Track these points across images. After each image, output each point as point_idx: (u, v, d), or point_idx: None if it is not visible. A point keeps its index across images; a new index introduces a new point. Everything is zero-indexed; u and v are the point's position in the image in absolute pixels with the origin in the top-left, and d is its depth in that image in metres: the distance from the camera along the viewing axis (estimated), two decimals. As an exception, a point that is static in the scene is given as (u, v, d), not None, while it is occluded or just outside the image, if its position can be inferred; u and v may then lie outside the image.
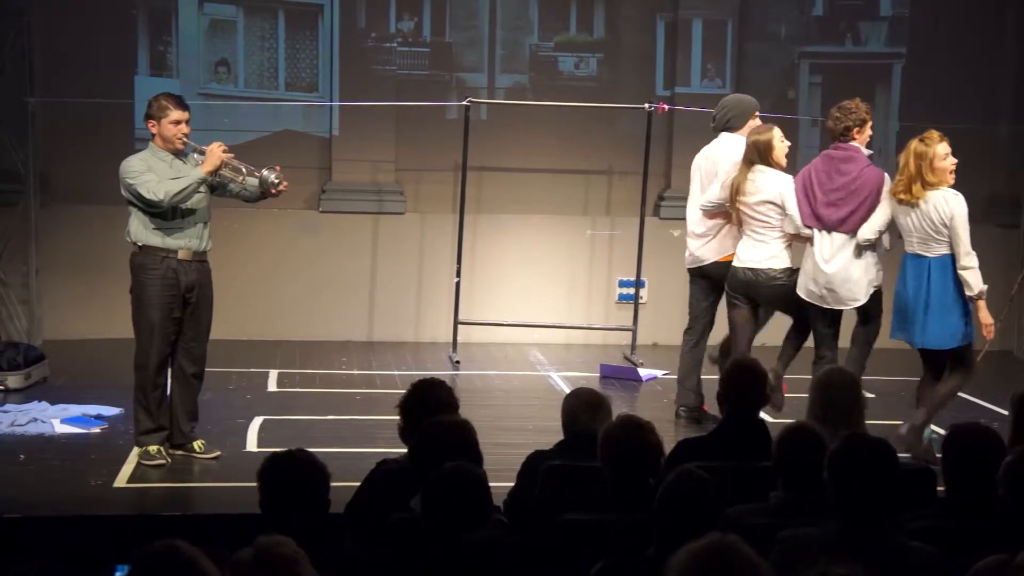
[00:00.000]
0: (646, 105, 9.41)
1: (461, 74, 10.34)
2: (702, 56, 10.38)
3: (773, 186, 6.98)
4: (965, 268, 6.48)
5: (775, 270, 7.03)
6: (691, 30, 10.36)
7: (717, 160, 7.33)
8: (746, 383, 4.95)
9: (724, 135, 7.39)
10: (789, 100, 10.61)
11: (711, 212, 7.29)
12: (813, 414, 4.76)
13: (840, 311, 6.95)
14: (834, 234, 6.84)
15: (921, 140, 6.58)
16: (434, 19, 10.30)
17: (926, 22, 10.64)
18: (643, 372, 8.99)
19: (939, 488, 4.37)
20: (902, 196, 6.55)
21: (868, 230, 6.77)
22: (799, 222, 6.90)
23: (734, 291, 7.18)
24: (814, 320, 6.99)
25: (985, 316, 6.60)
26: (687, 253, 7.56)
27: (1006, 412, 5.28)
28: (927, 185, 6.49)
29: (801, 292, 6.96)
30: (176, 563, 2.62)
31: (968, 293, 6.50)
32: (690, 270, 7.61)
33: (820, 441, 4.00)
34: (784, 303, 7.13)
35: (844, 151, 6.88)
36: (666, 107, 9.49)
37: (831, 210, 6.83)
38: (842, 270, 6.82)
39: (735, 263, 7.17)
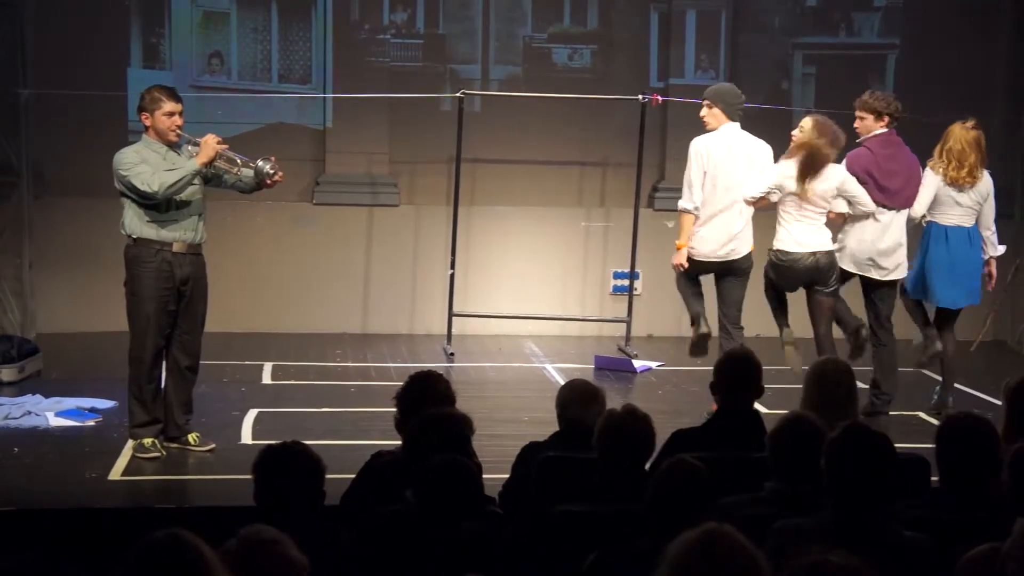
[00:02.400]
0: (640, 97, 9.40)
1: (455, 66, 10.34)
2: (696, 47, 10.39)
3: (836, 172, 7.19)
4: (994, 232, 7.55)
5: (833, 251, 7.27)
6: (684, 21, 10.37)
7: (752, 150, 7.29)
8: (740, 374, 4.95)
9: (736, 124, 7.32)
10: (783, 91, 10.62)
11: (756, 202, 7.25)
12: (807, 404, 4.77)
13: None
14: (895, 212, 7.29)
15: (975, 127, 7.39)
16: (427, 11, 10.30)
17: (920, 13, 10.65)
18: (637, 364, 9.00)
19: (933, 478, 4.39)
20: (968, 179, 7.34)
21: (923, 207, 7.37)
22: (871, 205, 7.20)
23: (806, 278, 7.24)
24: (883, 300, 7.41)
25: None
26: (716, 246, 7.27)
27: (999, 402, 5.29)
28: (983, 165, 7.43)
29: (852, 267, 7.32)
30: (179, 551, 2.62)
31: (995, 254, 7.57)
32: (718, 263, 7.34)
33: (818, 431, 3.99)
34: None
35: (897, 136, 7.39)
36: (660, 99, 9.49)
37: (900, 190, 7.28)
38: (897, 244, 7.35)
39: (798, 249, 7.14)
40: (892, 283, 7.40)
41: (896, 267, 7.35)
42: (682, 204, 7.34)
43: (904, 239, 7.38)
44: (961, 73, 10.47)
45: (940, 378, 7.79)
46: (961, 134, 7.32)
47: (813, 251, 7.18)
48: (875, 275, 7.34)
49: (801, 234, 7.19)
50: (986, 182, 7.45)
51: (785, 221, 7.21)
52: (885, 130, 7.30)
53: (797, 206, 7.16)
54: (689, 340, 7.58)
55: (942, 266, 7.39)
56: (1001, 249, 7.63)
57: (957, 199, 7.36)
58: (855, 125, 7.38)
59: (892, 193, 7.25)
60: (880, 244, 7.27)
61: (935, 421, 7.18)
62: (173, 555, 2.62)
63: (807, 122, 7.25)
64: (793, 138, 7.27)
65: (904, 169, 7.28)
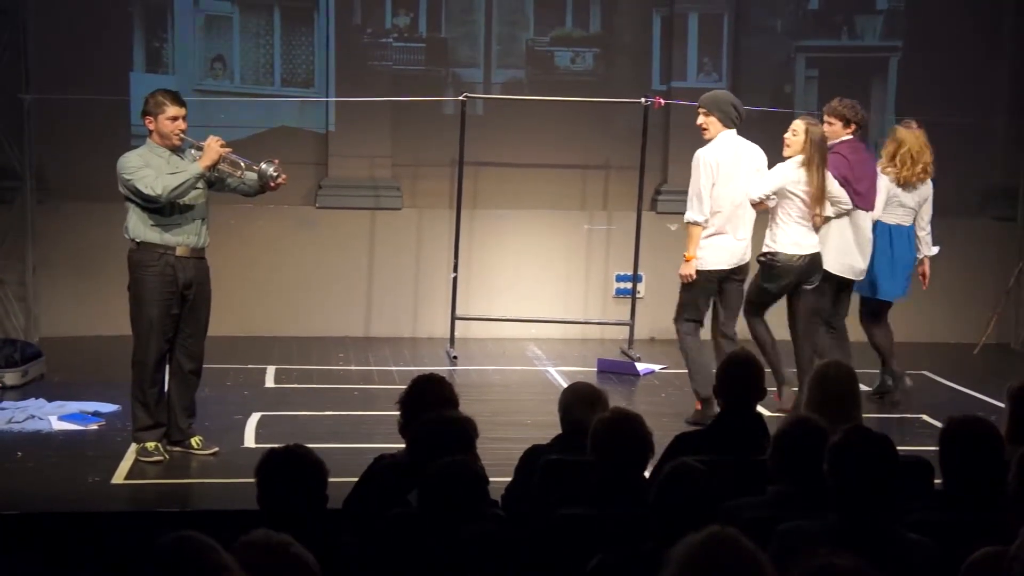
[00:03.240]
0: (642, 100, 9.40)
1: (457, 69, 10.34)
2: (698, 50, 10.39)
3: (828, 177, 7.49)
4: (929, 233, 7.97)
5: (820, 252, 7.54)
6: (687, 24, 10.37)
7: (753, 156, 7.42)
8: (742, 377, 4.95)
9: (733, 131, 7.37)
10: (785, 94, 10.61)
11: (758, 204, 7.38)
12: (810, 406, 4.77)
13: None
14: (865, 214, 7.63)
15: (920, 127, 7.81)
16: (430, 14, 10.30)
17: (922, 15, 10.65)
18: (640, 367, 9.00)
19: (936, 480, 4.38)
20: (923, 175, 7.77)
21: (880, 209, 7.75)
22: (851, 206, 7.51)
23: (800, 279, 7.43)
24: (826, 295, 7.62)
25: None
26: (729, 256, 7.33)
27: (1003, 405, 5.29)
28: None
29: (838, 270, 7.59)
30: (188, 553, 2.62)
31: (930, 253, 8.03)
32: (720, 271, 7.37)
33: (822, 433, 3.99)
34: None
35: (861, 142, 7.84)
36: (662, 102, 9.48)
37: (868, 193, 7.59)
38: (870, 245, 7.71)
39: (797, 251, 7.36)
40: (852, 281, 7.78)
41: (864, 266, 7.72)
42: (692, 216, 7.31)
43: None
44: (963, 75, 10.48)
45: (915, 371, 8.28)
46: (913, 136, 7.75)
47: (809, 253, 7.39)
48: (851, 275, 7.68)
49: (800, 236, 7.37)
50: (928, 183, 7.87)
51: (783, 223, 7.35)
52: (851, 136, 7.64)
53: (798, 209, 7.31)
54: (694, 414, 7.36)
55: (886, 262, 7.80)
56: (935, 249, 8.05)
57: (902, 200, 7.79)
58: (823, 129, 7.59)
59: (863, 196, 7.56)
60: (864, 247, 7.63)
61: (938, 423, 7.18)
62: (184, 557, 2.61)
63: (799, 125, 7.38)
64: (786, 142, 7.38)
65: (870, 174, 7.65)
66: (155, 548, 2.63)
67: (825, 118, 7.66)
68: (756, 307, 7.56)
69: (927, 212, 7.93)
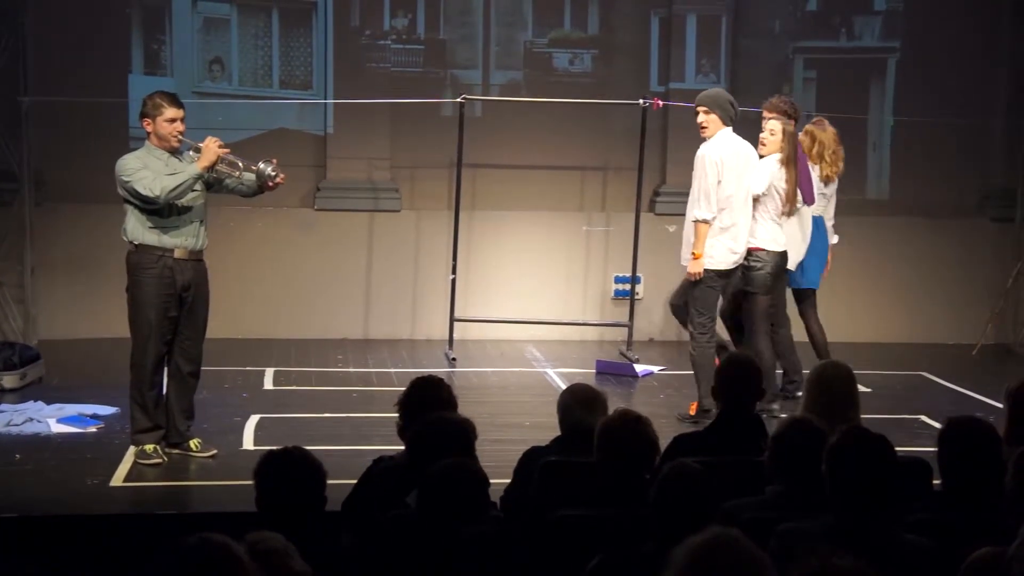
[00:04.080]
0: (641, 101, 9.41)
1: (456, 71, 10.33)
2: (696, 52, 10.39)
3: None
4: (833, 222, 8.11)
5: None
6: (685, 25, 10.37)
7: (749, 153, 7.49)
8: (741, 378, 4.96)
9: (730, 129, 7.40)
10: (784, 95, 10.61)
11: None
12: (809, 407, 4.76)
13: None
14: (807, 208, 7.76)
15: (832, 123, 8.04)
16: (428, 16, 10.30)
17: (920, 16, 10.65)
18: (639, 368, 9.00)
19: (935, 481, 4.38)
20: (838, 171, 7.98)
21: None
22: (803, 204, 7.65)
23: (776, 273, 7.57)
24: (783, 290, 7.82)
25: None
26: (738, 253, 7.40)
27: (1001, 405, 5.29)
28: None
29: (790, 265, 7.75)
30: (213, 554, 2.61)
31: (833, 241, 8.10)
32: (729, 270, 7.45)
33: (820, 434, 3.98)
34: None
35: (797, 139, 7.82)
36: (661, 103, 9.48)
37: (809, 189, 7.68)
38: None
39: (777, 248, 7.54)
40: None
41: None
42: (700, 215, 7.29)
43: None
44: (962, 76, 10.48)
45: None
46: (828, 136, 7.92)
47: (783, 250, 7.57)
48: (791, 266, 7.77)
49: (776, 233, 7.54)
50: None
51: (761, 220, 7.52)
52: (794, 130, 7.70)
53: (776, 206, 7.50)
54: (697, 412, 7.40)
55: (811, 251, 7.86)
56: (835, 239, 8.14)
57: (823, 190, 7.94)
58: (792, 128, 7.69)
59: (806, 192, 7.67)
60: (807, 240, 7.77)
61: (937, 424, 7.18)
62: (209, 558, 2.60)
63: (775, 125, 7.47)
64: (762, 140, 7.50)
65: (807, 168, 7.72)
66: (180, 548, 2.61)
67: (765, 115, 7.70)
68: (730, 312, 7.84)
69: (834, 203, 8.12)
